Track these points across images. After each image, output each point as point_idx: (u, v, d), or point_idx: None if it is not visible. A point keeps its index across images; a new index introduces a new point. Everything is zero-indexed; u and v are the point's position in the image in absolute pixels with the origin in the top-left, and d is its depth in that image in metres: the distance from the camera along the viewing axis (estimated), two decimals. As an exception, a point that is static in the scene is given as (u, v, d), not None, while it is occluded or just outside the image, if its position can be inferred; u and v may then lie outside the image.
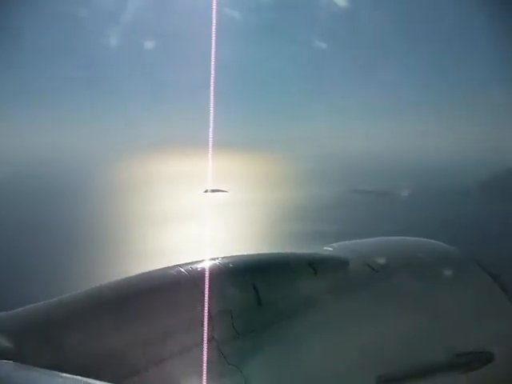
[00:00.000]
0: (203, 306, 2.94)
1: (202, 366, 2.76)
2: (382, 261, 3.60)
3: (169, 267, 3.28)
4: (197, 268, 3.21)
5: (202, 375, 2.74)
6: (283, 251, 3.80)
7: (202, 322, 2.90)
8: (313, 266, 3.37)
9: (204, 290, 2.99)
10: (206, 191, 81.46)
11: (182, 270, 3.19)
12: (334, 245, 3.98)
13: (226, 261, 3.33)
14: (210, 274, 3.10)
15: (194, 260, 3.31)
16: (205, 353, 2.80)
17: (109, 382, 2.19)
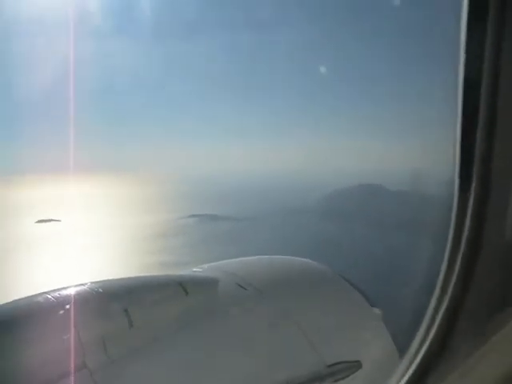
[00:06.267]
0: (74, 333, 2.84)
1: None
2: (251, 279, 3.67)
3: (35, 295, 3.14)
4: (65, 294, 3.11)
5: None
6: (153, 274, 3.80)
7: (74, 349, 2.80)
8: (183, 286, 3.38)
9: (74, 316, 2.90)
10: (38, 221, 77.47)
11: (50, 297, 3.07)
12: (204, 266, 4.04)
13: (95, 286, 3.25)
14: (80, 300, 3.05)
15: (61, 287, 3.20)
16: (78, 382, 2.72)
17: None
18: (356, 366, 3.40)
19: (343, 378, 3.33)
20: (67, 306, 2.98)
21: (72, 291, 3.19)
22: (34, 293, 3.22)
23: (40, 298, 3.11)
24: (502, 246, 2.04)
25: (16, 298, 3.21)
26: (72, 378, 2.74)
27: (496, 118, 1.96)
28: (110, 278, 3.62)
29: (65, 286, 3.24)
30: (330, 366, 3.33)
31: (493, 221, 2.03)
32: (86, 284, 3.29)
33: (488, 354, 1.92)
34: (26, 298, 3.17)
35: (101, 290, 3.24)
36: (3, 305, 3.13)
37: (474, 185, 1.98)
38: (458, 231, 2.04)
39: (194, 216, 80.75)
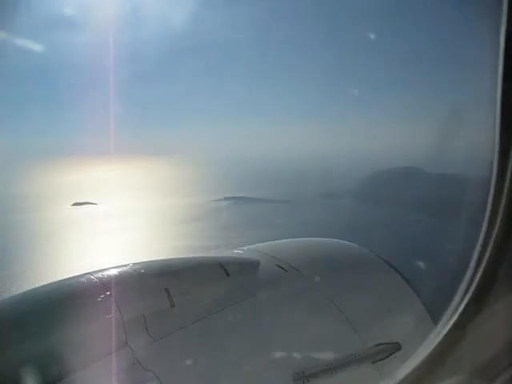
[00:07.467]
0: (116, 313, 2.90)
1: (117, 373, 2.73)
2: (290, 261, 3.70)
3: (79, 275, 3.20)
4: (108, 275, 3.16)
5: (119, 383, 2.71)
6: (194, 255, 3.82)
7: (116, 329, 2.86)
8: (224, 268, 3.42)
9: (116, 296, 2.96)
10: (74, 204, 78.32)
11: (93, 277, 3.13)
12: (245, 248, 4.09)
13: (137, 266, 3.30)
14: (122, 281, 3.11)
15: (103, 267, 3.25)
16: (120, 360, 2.76)
17: None
18: (395, 347, 3.38)
19: (382, 360, 3.33)
20: (110, 286, 3.03)
21: (114, 272, 3.22)
22: (70, 274, 3.24)
23: (83, 279, 3.16)
24: None
25: (54, 279, 3.22)
26: (114, 356, 2.78)
27: None
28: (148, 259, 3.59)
29: (106, 267, 3.25)
30: (370, 347, 3.33)
31: None
32: (127, 265, 3.33)
33: None
34: (69, 278, 3.22)
35: (142, 271, 3.28)
36: (46, 285, 3.16)
37: None
38: (497, 196, 1.97)
39: (228, 198, 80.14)
